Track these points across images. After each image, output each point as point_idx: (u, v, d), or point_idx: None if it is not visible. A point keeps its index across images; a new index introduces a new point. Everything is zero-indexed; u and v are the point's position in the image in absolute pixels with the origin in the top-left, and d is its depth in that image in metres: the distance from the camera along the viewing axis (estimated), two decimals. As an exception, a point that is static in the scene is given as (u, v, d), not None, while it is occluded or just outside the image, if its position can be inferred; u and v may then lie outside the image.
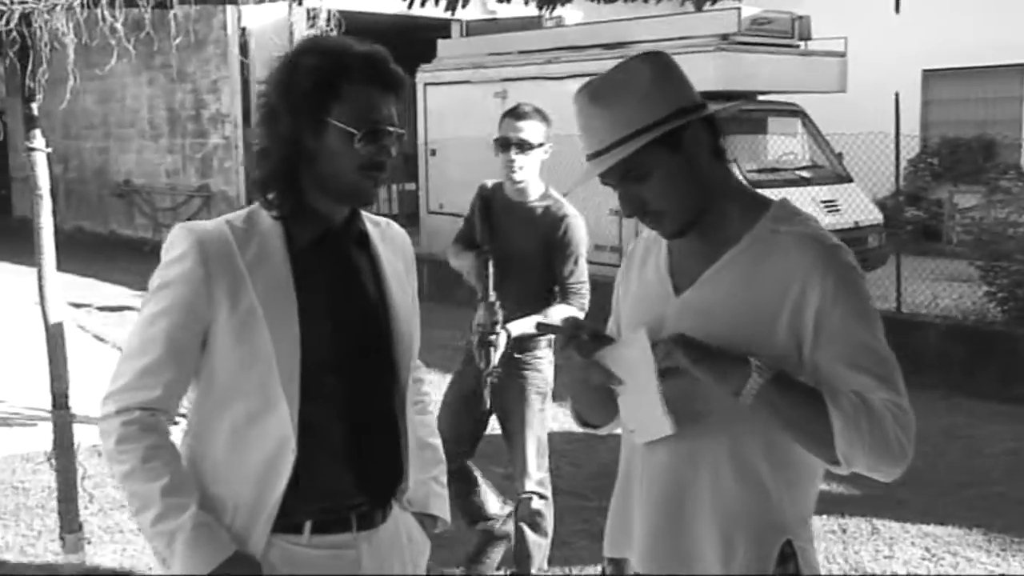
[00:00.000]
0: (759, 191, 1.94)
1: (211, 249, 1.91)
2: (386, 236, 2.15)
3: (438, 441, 2.31)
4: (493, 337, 3.78)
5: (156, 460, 1.89)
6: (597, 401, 1.96)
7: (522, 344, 3.91)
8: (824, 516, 4.98)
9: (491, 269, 3.81)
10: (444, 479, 2.28)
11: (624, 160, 1.75)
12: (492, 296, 3.79)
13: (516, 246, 3.88)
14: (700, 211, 1.81)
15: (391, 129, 1.96)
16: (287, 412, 1.90)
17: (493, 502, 4.25)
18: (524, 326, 3.80)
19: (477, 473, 4.24)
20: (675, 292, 1.86)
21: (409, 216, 14.01)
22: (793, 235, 1.77)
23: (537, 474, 3.96)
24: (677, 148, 1.76)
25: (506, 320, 3.79)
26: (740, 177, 8.37)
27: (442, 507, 2.24)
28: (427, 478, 2.21)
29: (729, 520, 1.79)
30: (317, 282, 1.98)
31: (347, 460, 1.99)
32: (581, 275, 3.88)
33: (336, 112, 1.91)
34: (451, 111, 12.83)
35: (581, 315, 3.71)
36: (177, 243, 1.94)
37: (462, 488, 4.20)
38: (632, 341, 1.79)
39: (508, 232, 3.93)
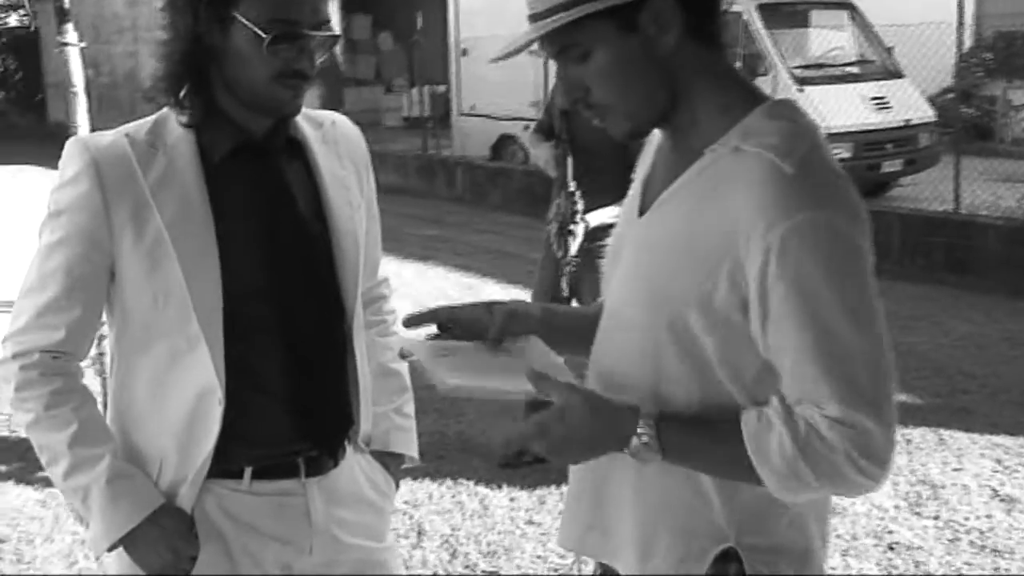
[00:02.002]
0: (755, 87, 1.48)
1: (108, 170, 1.65)
2: (329, 138, 1.84)
3: (402, 366, 2.02)
4: (572, 227, 3.97)
5: (62, 407, 1.69)
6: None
7: (599, 234, 4.01)
8: (887, 426, 4.79)
9: (570, 159, 3.99)
10: (409, 408, 2.02)
11: (560, 31, 1.36)
12: (571, 186, 3.97)
13: (593, 136, 3.85)
14: (661, 110, 1.42)
15: (310, 33, 1.63)
16: (208, 356, 1.66)
17: None
18: (602, 216, 3.94)
19: None
20: (640, 211, 1.51)
21: (441, 118, 13.74)
22: (755, 158, 1.30)
23: None
24: (631, 27, 1.35)
25: (585, 210, 3.98)
26: (785, 74, 7.74)
27: (406, 443, 1.99)
28: (388, 410, 1.97)
29: (651, 511, 1.46)
30: (239, 201, 1.71)
31: (285, 404, 1.76)
32: None
33: (244, 6, 1.60)
34: (483, 8, 12.42)
35: None
36: (70, 162, 1.67)
37: None
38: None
39: (585, 122, 3.87)
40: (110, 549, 1.70)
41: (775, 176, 1.28)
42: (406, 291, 7.45)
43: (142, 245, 1.65)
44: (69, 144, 1.68)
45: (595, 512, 1.53)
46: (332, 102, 14.80)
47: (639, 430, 1.35)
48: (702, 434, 1.38)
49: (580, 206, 3.96)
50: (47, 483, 3.98)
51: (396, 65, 18.00)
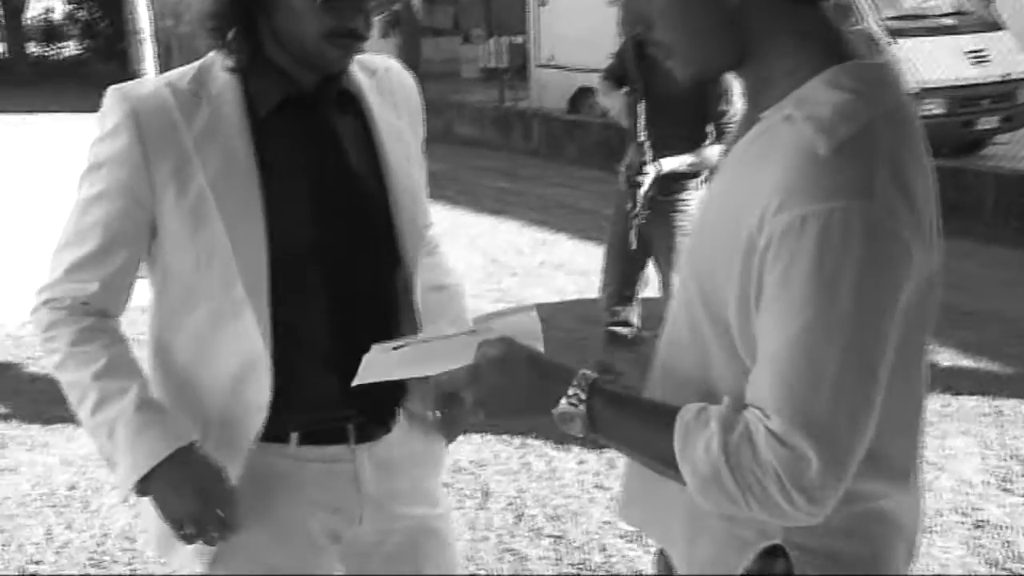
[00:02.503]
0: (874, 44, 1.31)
1: (149, 121, 1.56)
2: (384, 87, 1.74)
3: (452, 279, 1.92)
4: (640, 178, 3.88)
5: (90, 344, 1.60)
6: None
7: (671, 185, 3.95)
8: (976, 397, 4.58)
9: (641, 108, 3.87)
10: (466, 317, 1.85)
11: None
12: (641, 136, 3.87)
13: (667, 82, 3.65)
14: (727, 61, 1.29)
15: None
16: (255, 323, 1.57)
17: None
18: (676, 163, 3.87)
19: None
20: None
21: (518, 70, 13.59)
22: (798, 130, 1.16)
23: None
24: None
25: (655, 159, 3.87)
26: (875, 26, 7.31)
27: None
28: (443, 324, 1.80)
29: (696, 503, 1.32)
30: (287, 157, 1.62)
31: (334, 369, 1.65)
32: (736, 114, 3.73)
33: None
34: (563, -44, 12.15)
35: None
36: (110, 113, 1.58)
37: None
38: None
39: (659, 67, 3.73)
40: (139, 491, 1.56)
41: (806, 155, 1.13)
42: (479, 244, 7.38)
43: (185, 202, 1.57)
44: (108, 94, 1.59)
45: (650, 489, 1.42)
46: (409, 52, 14.71)
47: (569, 392, 1.24)
48: (634, 414, 1.27)
49: (648, 156, 3.83)
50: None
51: (474, 15, 17.85)
